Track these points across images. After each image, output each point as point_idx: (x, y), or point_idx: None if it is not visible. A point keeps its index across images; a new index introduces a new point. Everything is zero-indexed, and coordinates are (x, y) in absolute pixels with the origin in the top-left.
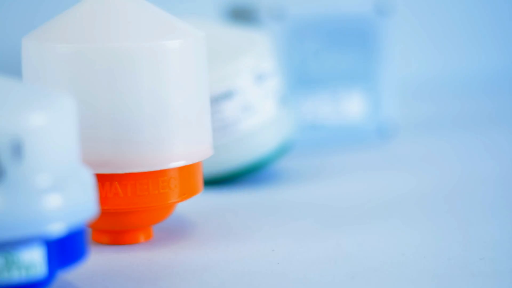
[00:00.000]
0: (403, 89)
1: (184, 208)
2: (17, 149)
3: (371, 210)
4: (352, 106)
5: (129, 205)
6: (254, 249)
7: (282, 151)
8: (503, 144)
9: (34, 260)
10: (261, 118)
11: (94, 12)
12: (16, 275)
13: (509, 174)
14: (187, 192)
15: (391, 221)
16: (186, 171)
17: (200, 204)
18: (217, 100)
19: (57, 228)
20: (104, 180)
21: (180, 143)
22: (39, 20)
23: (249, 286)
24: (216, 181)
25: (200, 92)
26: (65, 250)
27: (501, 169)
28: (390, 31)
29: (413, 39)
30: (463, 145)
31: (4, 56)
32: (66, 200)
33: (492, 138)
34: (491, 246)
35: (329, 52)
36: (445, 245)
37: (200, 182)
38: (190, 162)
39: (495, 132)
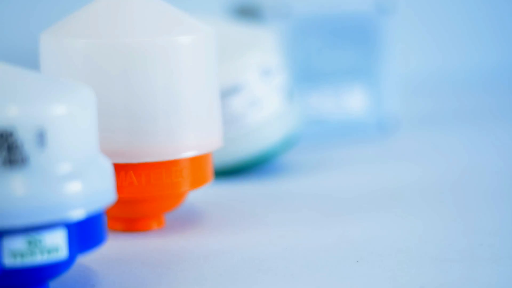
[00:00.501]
0: (404, 85)
1: (194, 198)
2: (40, 138)
3: (374, 200)
4: (354, 102)
5: (144, 194)
6: (262, 236)
7: (288, 144)
8: (502, 138)
9: (56, 244)
10: (267, 112)
11: (110, 9)
12: (39, 259)
13: (507, 167)
14: (199, 181)
15: (393, 210)
16: (198, 161)
17: (210, 194)
18: (224, 95)
19: (77, 214)
20: (119, 169)
21: (192, 134)
22: (53, 17)
23: (259, 270)
24: (225, 173)
25: (210, 86)
26: (85, 234)
27: (499, 162)
28: (391, 29)
29: (413, 36)
30: (463, 139)
31: (22, 51)
32: (86, 187)
33: (491, 132)
34: (489, 233)
35: (332, 49)
36: (445, 232)
37: (211, 172)
38: (201, 152)
39: (494, 127)
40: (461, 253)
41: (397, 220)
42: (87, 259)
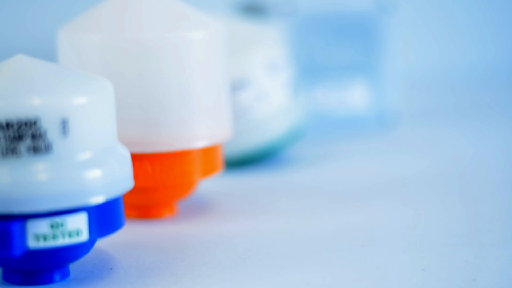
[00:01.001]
0: (405, 80)
1: (205, 188)
2: (62, 126)
3: (377, 190)
4: (355, 97)
5: (158, 182)
6: (270, 222)
7: (294, 137)
8: (500, 132)
9: (77, 228)
10: (273, 107)
11: (124, 6)
12: (61, 241)
13: (504, 160)
14: (210, 170)
15: (395, 198)
16: (209, 151)
17: (220, 184)
18: (231, 89)
19: (97, 199)
20: (135, 159)
21: (203, 125)
22: (70, 14)
23: (268, 254)
24: (233, 164)
25: (220, 79)
26: (104, 219)
27: (497, 155)
28: (391, 26)
29: (414, 33)
30: (462, 133)
31: (40, 47)
32: (105, 174)
33: (490, 127)
34: (488, 220)
35: (335, 46)
36: (445, 219)
37: (221, 162)
38: (212, 143)
39: (492, 121)
40: (460, 237)
41: (399, 208)
42: (105, 244)
